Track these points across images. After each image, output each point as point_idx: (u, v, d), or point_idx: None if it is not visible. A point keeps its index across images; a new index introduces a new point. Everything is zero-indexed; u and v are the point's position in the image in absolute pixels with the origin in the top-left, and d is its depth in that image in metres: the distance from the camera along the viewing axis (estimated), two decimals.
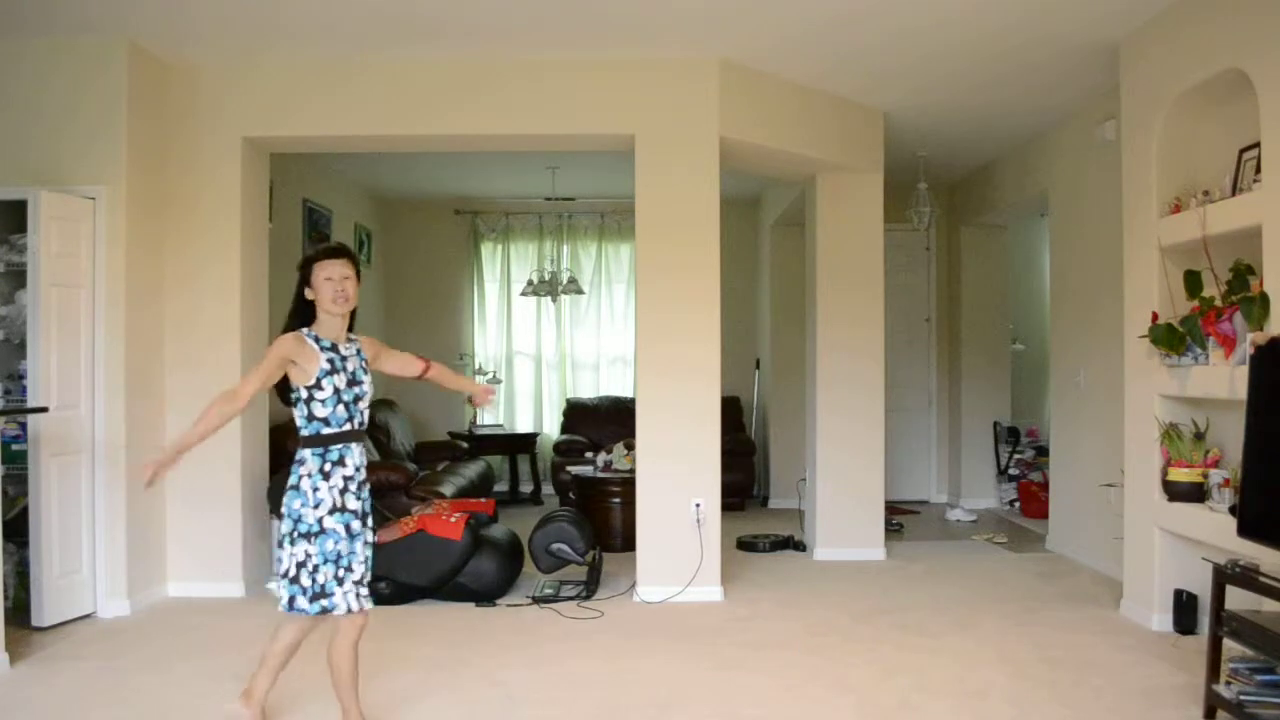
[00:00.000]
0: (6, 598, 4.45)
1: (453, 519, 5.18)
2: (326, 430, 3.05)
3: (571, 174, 8.13)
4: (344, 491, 3.06)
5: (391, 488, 6.25)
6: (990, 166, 7.66)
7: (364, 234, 8.87)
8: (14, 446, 4.68)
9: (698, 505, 5.29)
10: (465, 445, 8.56)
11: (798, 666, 4.09)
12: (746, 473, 8.25)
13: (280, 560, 3.07)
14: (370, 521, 3.18)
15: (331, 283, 3.06)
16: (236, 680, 3.88)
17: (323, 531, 3.02)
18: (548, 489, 8.95)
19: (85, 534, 4.76)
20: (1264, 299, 3.76)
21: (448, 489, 6.73)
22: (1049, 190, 6.60)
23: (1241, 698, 3.21)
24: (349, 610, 3.04)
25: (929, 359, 8.72)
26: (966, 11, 4.57)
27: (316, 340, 3.07)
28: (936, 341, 8.69)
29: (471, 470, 7.75)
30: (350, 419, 3.08)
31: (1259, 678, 3.22)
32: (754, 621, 4.86)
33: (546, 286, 8.60)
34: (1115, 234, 5.09)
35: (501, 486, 9.01)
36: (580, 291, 8.86)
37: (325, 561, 3.02)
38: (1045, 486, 7.25)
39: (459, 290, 9.52)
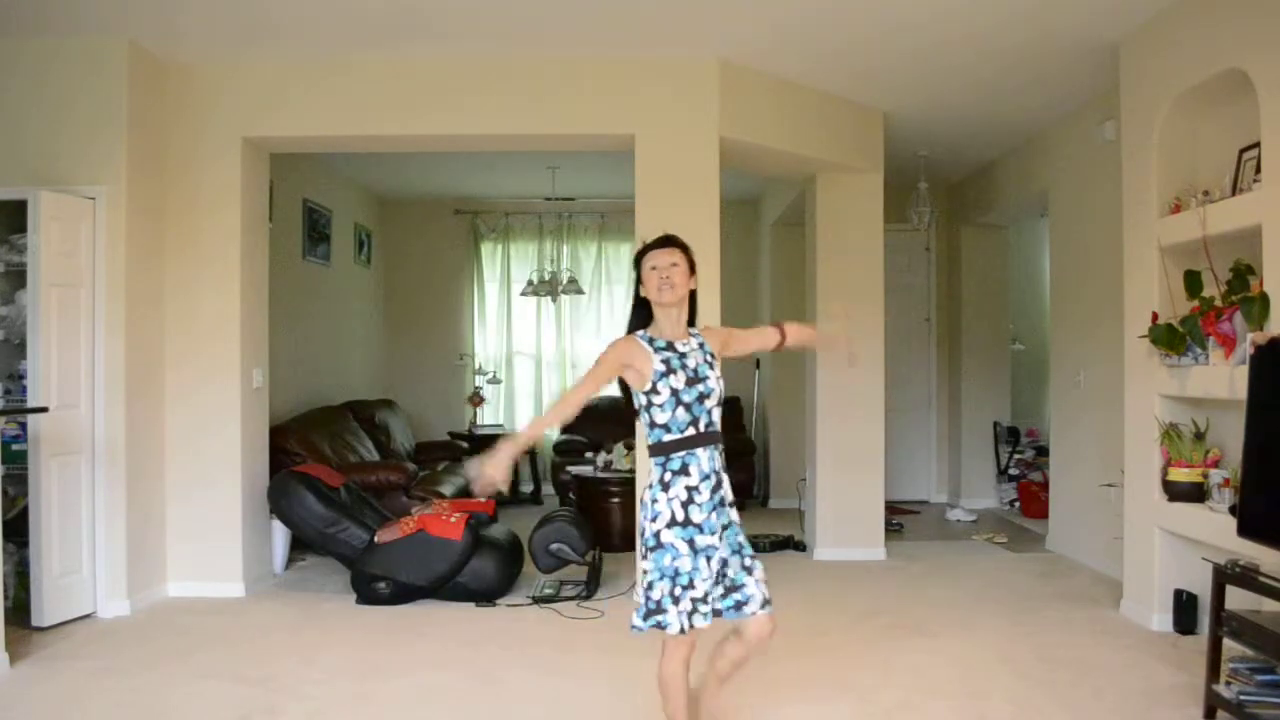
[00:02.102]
0: (6, 598, 4.45)
1: (453, 519, 5.18)
2: (668, 437, 2.81)
3: (571, 174, 8.13)
4: (686, 503, 2.80)
5: (391, 488, 6.27)
6: (990, 166, 7.65)
7: (364, 234, 8.87)
8: (14, 446, 4.68)
9: None
10: (465, 445, 8.56)
11: (797, 666, 4.09)
12: (746, 473, 8.25)
13: None
14: (728, 535, 2.90)
15: (656, 271, 2.88)
16: (236, 680, 3.89)
17: (659, 546, 2.79)
18: (548, 489, 8.95)
19: (85, 534, 4.76)
20: (1264, 299, 3.75)
21: (448, 489, 6.74)
22: (1049, 190, 6.60)
23: (1241, 698, 3.21)
24: (681, 630, 2.76)
25: (929, 359, 8.71)
26: (964, 3, 4.53)
27: (650, 341, 2.87)
28: (936, 341, 8.68)
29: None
30: (694, 421, 2.81)
31: (1259, 678, 3.22)
32: None
33: (546, 286, 8.60)
34: (1115, 234, 5.09)
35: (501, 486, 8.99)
36: (580, 292, 8.86)
37: (661, 577, 2.78)
38: (1045, 486, 7.25)
39: (459, 290, 9.52)
